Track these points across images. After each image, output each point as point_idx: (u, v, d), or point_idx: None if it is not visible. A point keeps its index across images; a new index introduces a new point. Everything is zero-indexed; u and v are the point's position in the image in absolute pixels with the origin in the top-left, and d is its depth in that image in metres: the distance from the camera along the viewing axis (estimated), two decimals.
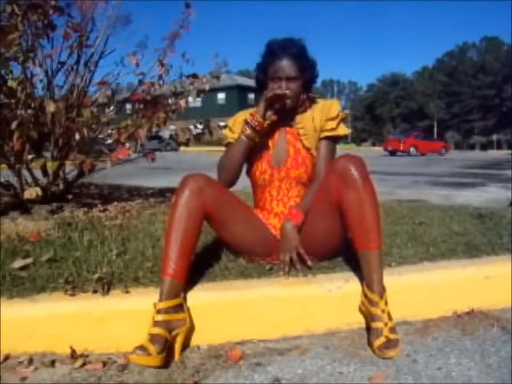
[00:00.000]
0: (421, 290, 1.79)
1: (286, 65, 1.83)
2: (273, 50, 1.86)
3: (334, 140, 1.95)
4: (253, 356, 1.52)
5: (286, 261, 1.80)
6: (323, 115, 1.92)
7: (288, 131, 1.96)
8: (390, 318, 1.57)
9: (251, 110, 2.05)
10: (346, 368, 1.44)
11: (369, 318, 1.60)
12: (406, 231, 2.42)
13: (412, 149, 26.12)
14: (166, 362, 1.44)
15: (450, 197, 5.48)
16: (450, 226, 2.54)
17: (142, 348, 1.39)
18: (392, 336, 1.53)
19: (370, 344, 1.55)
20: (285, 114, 1.93)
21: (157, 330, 1.44)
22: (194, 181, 1.66)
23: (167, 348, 1.44)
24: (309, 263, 1.79)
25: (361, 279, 1.72)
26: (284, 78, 1.84)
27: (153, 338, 1.42)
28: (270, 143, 1.95)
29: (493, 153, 36.23)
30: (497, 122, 62.95)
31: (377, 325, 1.55)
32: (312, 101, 1.98)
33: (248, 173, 2.01)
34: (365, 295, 1.63)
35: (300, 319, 1.67)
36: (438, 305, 1.81)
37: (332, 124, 1.91)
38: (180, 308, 1.52)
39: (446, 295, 1.82)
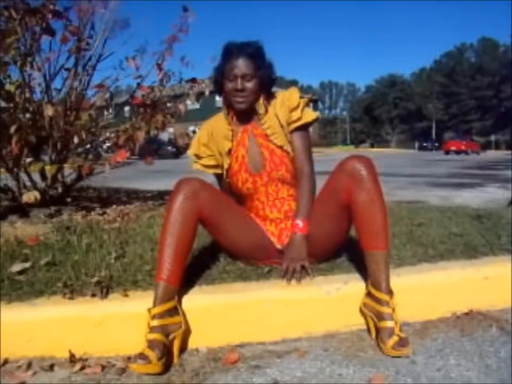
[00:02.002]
0: (420, 292, 1.79)
1: (241, 63, 1.79)
2: (229, 51, 1.84)
3: (304, 128, 1.92)
4: (252, 359, 1.52)
5: (290, 270, 1.75)
6: (285, 108, 1.87)
7: (256, 134, 1.91)
8: (397, 317, 1.57)
9: (210, 122, 2.01)
10: (345, 370, 1.44)
11: (377, 317, 1.59)
12: (404, 232, 2.42)
13: (469, 150, 34.87)
14: (166, 368, 1.44)
15: (448, 197, 5.48)
16: (449, 227, 2.54)
17: (142, 356, 1.38)
18: (402, 335, 1.53)
19: (382, 344, 1.53)
20: (246, 116, 1.90)
21: (154, 336, 1.43)
22: (188, 185, 1.65)
23: (166, 353, 1.44)
24: (311, 277, 1.75)
25: (363, 280, 1.73)
26: (239, 76, 1.79)
27: (151, 344, 1.41)
28: (242, 150, 1.91)
29: (492, 154, 36.26)
30: (495, 123, 63.03)
31: (388, 324, 1.55)
32: (271, 98, 1.92)
33: (231, 186, 1.96)
34: (371, 295, 1.62)
35: (299, 321, 1.67)
36: (437, 306, 1.81)
37: (297, 114, 1.87)
38: (175, 311, 1.51)
39: (445, 296, 1.82)
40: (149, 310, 1.48)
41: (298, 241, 1.80)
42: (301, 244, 1.80)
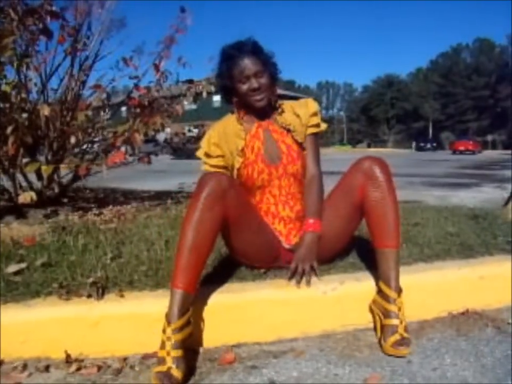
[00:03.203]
0: (416, 291, 1.79)
1: (250, 62, 1.78)
2: (231, 54, 1.82)
3: (318, 135, 1.96)
4: (248, 359, 1.52)
5: (299, 271, 1.72)
6: (305, 110, 1.92)
7: (272, 130, 1.90)
8: (404, 316, 1.57)
9: (221, 122, 1.96)
10: (341, 370, 1.44)
11: (383, 315, 1.59)
12: (401, 232, 2.41)
13: (476, 149, 37.13)
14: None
15: (445, 197, 5.49)
16: (445, 227, 2.54)
17: (169, 376, 1.32)
18: (406, 335, 1.54)
19: (383, 340, 1.54)
20: (264, 112, 1.89)
21: (179, 353, 1.37)
22: (216, 181, 1.54)
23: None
24: (318, 277, 1.73)
25: (359, 280, 1.75)
26: (251, 75, 1.78)
27: (177, 362, 1.35)
28: (258, 142, 1.88)
29: (488, 154, 36.42)
30: (491, 123, 63.15)
31: (392, 322, 1.55)
32: (284, 100, 1.98)
33: (242, 179, 1.88)
34: (381, 292, 1.63)
35: (295, 321, 1.67)
36: (433, 306, 1.81)
37: (317, 119, 1.92)
38: (189, 321, 1.47)
39: (441, 296, 1.82)
40: (169, 322, 1.40)
41: (310, 240, 1.76)
42: (312, 243, 1.76)
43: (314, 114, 1.92)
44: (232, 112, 1.95)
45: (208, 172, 1.61)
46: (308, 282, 1.71)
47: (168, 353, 1.37)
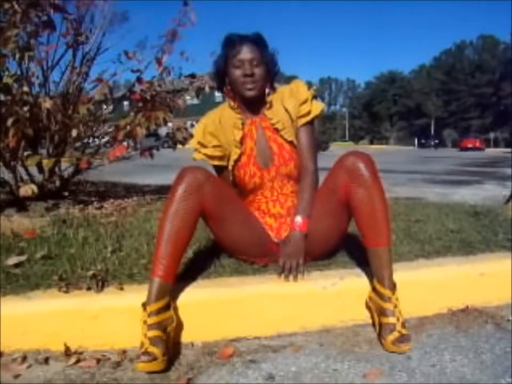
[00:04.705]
0: (416, 288, 1.79)
1: (247, 48, 1.75)
2: (232, 40, 1.78)
3: (311, 122, 1.89)
4: (247, 353, 1.52)
5: (286, 267, 1.72)
6: (294, 101, 1.85)
7: (265, 127, 1.86)
8: (400, 313, 1.57)
9: (216, 111, 1.94)
10: (340, 365, 1.44)
11: (380, 313, 1.59)
12: (401, 228, 2.42)
13: (483, 147, 40.39)
14: (169, 365, 1.41)
15: (446, 194, 5.48)
16: (446, 224, 2.54)
17: (146, 353, 1.35)
18: (404, 331, 1.53)
19: (382, 339, 1.53)
20: (252, 108, 1.86)
21: (155, 333, 1.40)
22: (192, 176, 1.58)
23: (167, 349, 1.41)
24: (303, 275, 1.73)
25: (359, 275, 1.74)
26: (247, 61, 1.75)
27: (153, 341, 1.38)
28: (250, 142, 1.86)
29: (491, 151, 36.36)
30: (494, 120, 63.03)
31: (389, 320, 1.54)
32: (275, 92, 1.89)
33: (235, 179, 1.89)
34: (375, 291, 1.62)
35: (294, 316, 1.66)
36: (433, 303, 1.81)
37: (307, 107, 1.85)
38: (168, 306, 1.49)
39: (441, 292, 1.82)
40: (144, 306, 1.45)
41: (296, 238, 1.77)
42: (298, 241, 1.76)
43: (305, 101, 1.84)
44: (230, 102, 1.89)
45: (185, 167, 1.61)
46: (295, 277, 1.71)
47: (145, 336, 1.40)
